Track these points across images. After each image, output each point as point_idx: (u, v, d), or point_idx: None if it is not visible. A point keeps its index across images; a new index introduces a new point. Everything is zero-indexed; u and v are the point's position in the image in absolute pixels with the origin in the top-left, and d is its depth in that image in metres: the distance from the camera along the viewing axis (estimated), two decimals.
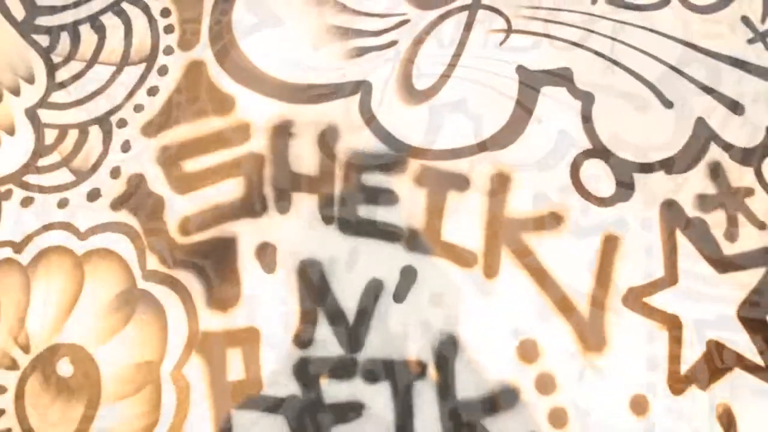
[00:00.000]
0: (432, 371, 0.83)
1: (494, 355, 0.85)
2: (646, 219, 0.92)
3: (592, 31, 1.00)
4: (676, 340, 0.89)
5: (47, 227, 0.89)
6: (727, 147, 0.97)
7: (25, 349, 0.85)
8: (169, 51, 0.97)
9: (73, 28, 1.00)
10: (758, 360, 0.90)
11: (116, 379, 0.83)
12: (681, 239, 0.93)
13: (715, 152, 0.96)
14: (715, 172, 0.96)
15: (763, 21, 1.04)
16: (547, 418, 0.84)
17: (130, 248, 0.87)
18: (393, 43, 0.96)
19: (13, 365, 0.84)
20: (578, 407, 0.84)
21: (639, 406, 0.86)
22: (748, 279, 0.92)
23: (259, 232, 0.89)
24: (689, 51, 1.01)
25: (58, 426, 0.82)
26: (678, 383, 0.88)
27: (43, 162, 0.93)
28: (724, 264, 0.93)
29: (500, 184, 0.91)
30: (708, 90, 0.99)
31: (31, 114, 0.95)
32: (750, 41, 1.03)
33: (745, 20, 1.04)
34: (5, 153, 0.94)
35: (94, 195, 0.91)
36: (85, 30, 0.99)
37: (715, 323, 0.89)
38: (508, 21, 0.99)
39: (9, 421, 0.82)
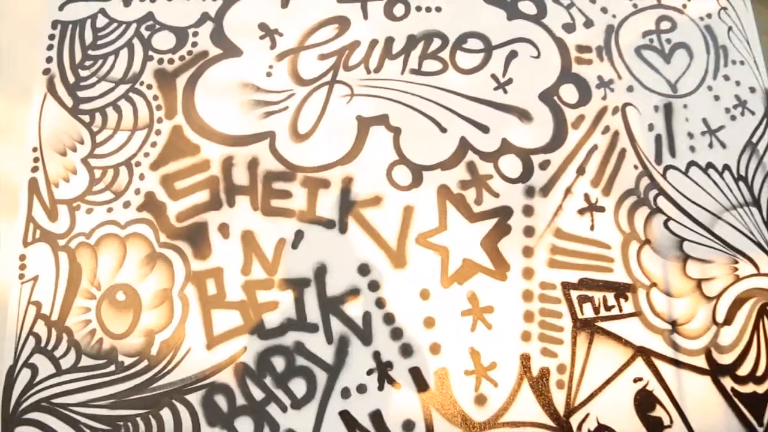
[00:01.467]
0: (313, 283, 1.71)
1: (346, 273, 1.72)
2: (428, 196, 1.79)
3: (402, 91, 1.88)
4: (445, 259, 1.77)
5: (102, 223, 1.75)
6: (478, 152, 1.85)
7: (98, 288, 1.70)
8: (159, 120, 1.82)
9: (102, 110, 1.84)
10: (491, 266, 1.78)
11: (148, 299, 1.69)
12: (449, 205, 1.81)
13: (471, 156, 1.84)
14: (470, 167, 1.85)
15: (503, 76, 1.92)
16: (375, 304, 1.71)
17: (150, 231, 1.72)
18: (286, 108, 1.83)
19: (92, 297, 1.70)
20: (392, 297, 1.72)
21: (424, 294, 1.74)
22: (486, 226, 1.81)
23: (219, 218, 1.75)
24: (459, 98, 1.88)
25: (120, 326, 1.68)
26: (447, 281, 1.76)
27: (95, 188, 1.78)
28: (473, 217, 1.81)
29: (347, 182, 1.78)
30: (468, 120, 1.87)
31: (85, 161, 1.80)
32: (495, 89, 1.91)
33: (493, 76, 1.92)
34: (73, 185, 1.78)
35: (126, 204, 1.76)
36: (110, 111, 1.83)
37: (467, 249, 1.77)
38: (351, 89, 1.86)
39: (94, 324, 1.68)
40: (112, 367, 1.64)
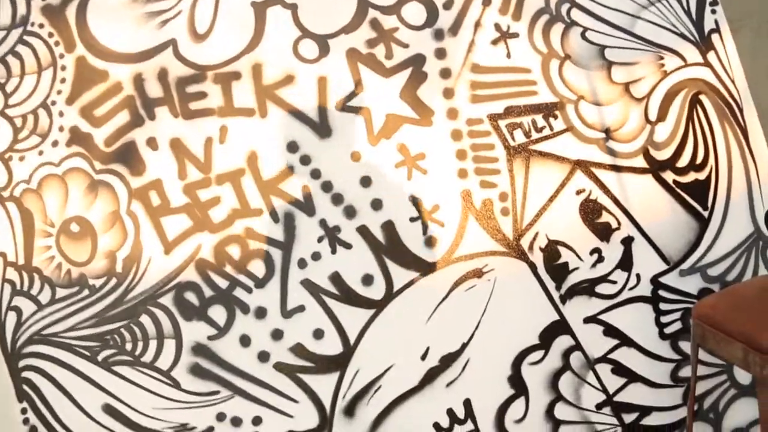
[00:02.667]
0: (248, 171, 1.87)
1: (276, 154, 1.85)
2: (339, 63, 1.87)
3: None
4: (368, 119, 1.87)
5: (38, 167, 1.90)
6: (378, 8, 1.92)
7: (52, 225, 1.88)
8: (62, 56, 1.93)
9: (3, 60, 1.95)
10: (414, 115, 1.92)
11: (100, 224, 1.87)
12: (361, 66, 1.91)
13: (372, 13, 1.92)
14: (374, 24, 1.93)
15: None
16: (310, 176, 1.87)
17: (84, 163, 1.87)
18: (179, 12, 1.92)
19: (49, 235, 1.88)
20: (325, 167, 1.87)
21: (355, 156, 1.87)
22: (402, 77, 1.91)
23: (144, 133, 1.89)
24: None
25: (82, 254, 1.87)
26: (374, 139, 1.89)
27: (20, 136, 1.92)
28: (387, 72, 1.90)
29: (257, 70, 1.89)
30: None
31: (2, 113, 1.93)
32: None
33: None
34: None
35: (55, 143, 1.90)
36: (10, 59, 1.94)
37: (388, 104, 1.87)
38: None
39: (58, 259, 1.87)
40: (86, 292, 1.85)
